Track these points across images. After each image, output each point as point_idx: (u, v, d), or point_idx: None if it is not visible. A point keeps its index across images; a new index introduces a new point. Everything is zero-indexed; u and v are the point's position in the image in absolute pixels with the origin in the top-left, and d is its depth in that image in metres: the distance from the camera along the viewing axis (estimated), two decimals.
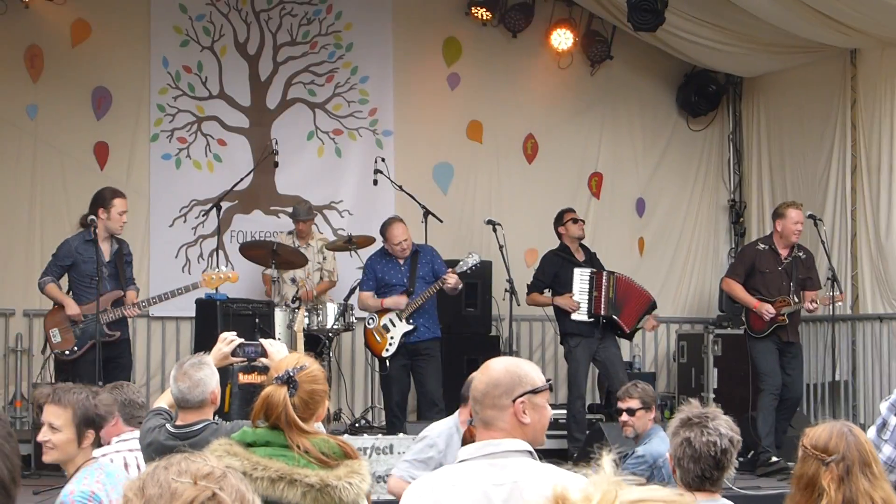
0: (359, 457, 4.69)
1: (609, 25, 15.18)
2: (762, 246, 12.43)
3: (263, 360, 6.27)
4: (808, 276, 12.39)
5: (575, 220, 13.06)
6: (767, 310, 12.11)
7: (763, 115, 15.53)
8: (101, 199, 11.51)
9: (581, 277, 12.84)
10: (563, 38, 15.13)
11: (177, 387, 6.25)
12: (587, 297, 12.77)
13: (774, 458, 11.93)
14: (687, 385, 14.24)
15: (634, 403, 8.65)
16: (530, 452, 4.25)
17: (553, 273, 12.98)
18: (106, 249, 11.51)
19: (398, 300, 12.41)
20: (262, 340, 6.20)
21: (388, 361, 12.43)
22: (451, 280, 12.26)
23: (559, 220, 13.16)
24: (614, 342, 12.98)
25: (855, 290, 13.85)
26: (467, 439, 6.06)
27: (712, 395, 13.77)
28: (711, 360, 14.01)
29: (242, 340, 6.31)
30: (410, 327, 12.41)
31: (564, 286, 12.84)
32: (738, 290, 12.35)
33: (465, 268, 12.38)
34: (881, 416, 6.44)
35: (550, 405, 4.43)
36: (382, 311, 12.49)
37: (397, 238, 12.43)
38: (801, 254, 12.37)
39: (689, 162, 15.89)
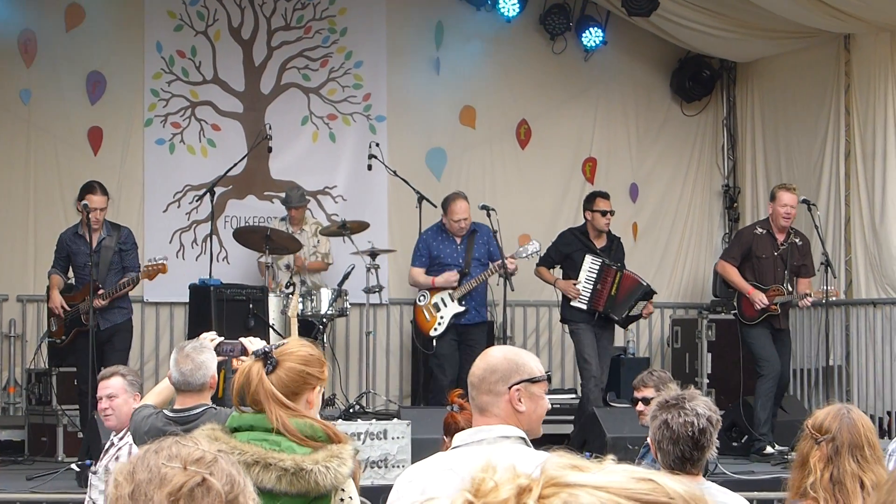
0: (345, 441, 4.66)
1: (603, 10, 15.16)
2: (760, 230, 12.40)
3: (244, 358, 6.33)
4: (802, 264, 12.37)
5: (604, 213, 12.77)
6: (761, 299, 12.07)
7: (757, 100, 15.53)
8: (79, 193, 11.71)
9: (591, 266, 12.64)
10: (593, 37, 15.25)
11: (178, 369, 6.29)
12: (591, 288, 12.59)
13: (770, 450, 11.90)
14: (681, 370, 14.23)
15: (650, 392, 8.35)
16: (524, 439, 4.25)
17: (565, 253, 12.80)
18: (94, 239, 11.53)
19: (449, 277, 12.32)
20: (242, 339, 6.28)
21: (435, 341, 12.32)
22: (511, 267, 12.20)
23: (589, 202, 12.93)
24: (609, 336, 12.91)
25: (849, 275, 13.86)
26: (449, 424, 6.05)
27: (706, 380, 13.81)
28: (705, 345, 14.03)
29: (222, 339, 6.40)
30: (462, 309, 12.35)
31: (573, 269, 12.68)
32: (733, 274, 12.32)
33: (524, 255, 12.33)
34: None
35: (549, 390, 4.43)
36: (434, 289, 12.42)
37: (458, 214, 12.34)
38: (797, 240, 12.35)
39: (683, 147, 15.88)
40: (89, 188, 11.61)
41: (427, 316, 12.38)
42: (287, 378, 4.68)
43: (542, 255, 12.87)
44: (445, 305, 12.38)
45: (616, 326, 13.10)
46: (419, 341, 12.64)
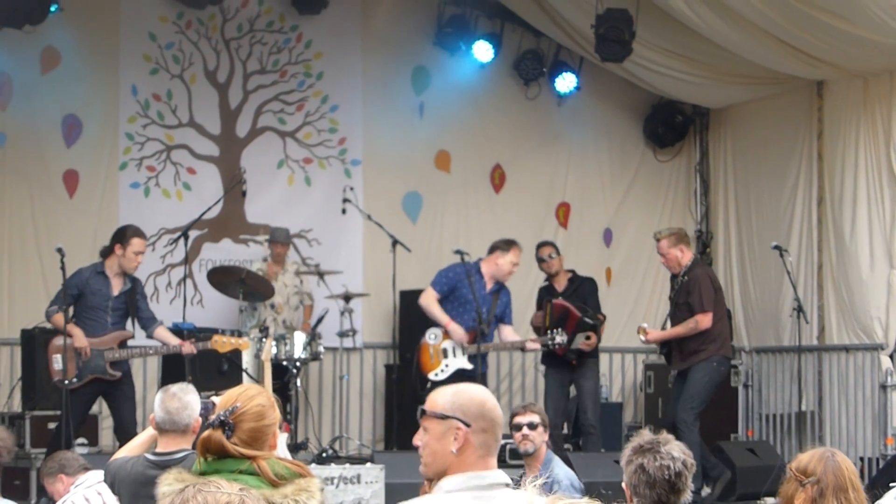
0: (311, 475, 4.65)
1: (577, 56, 15.25)
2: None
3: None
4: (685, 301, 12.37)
5: (542, 259, 12.97)
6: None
7: (730, 145, 15.61)
8: (121, 236, 11.32)
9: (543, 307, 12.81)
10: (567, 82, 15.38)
11: (164, 408, 6.28)
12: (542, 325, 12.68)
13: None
14: (654, 415, 14.25)
15: (535, 418, 8.33)
16: (508, 485, 4.22)
17: (538, 303, 12.99)
18: (117, 285, 11.28)
19: (462, 336, 12.06)
20: (212, 398, 6.36)
21: (430, 384, 11.82)
22: (531, 347, 12.36)
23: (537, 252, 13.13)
24: (593, 371, 12.76)
25: (821, 320, 13.90)
26: None
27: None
28: None
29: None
30: (470, 367, 12.03)
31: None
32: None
33: (549, 344, 12.22)
34: None
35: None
36: (445, 333, 12.15)
37: (516, 259, 12.27)
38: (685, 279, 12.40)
39: (657, 192, 15.96)
40: (137, 231, 11.37)
41: (432, 357, 12.10)
42: (251, 438, 4.69)
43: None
44: (455, 356, 12.13)
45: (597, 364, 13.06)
46: (416, 377, 12.23)
